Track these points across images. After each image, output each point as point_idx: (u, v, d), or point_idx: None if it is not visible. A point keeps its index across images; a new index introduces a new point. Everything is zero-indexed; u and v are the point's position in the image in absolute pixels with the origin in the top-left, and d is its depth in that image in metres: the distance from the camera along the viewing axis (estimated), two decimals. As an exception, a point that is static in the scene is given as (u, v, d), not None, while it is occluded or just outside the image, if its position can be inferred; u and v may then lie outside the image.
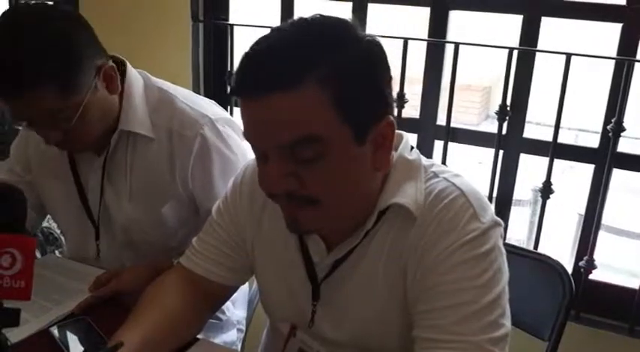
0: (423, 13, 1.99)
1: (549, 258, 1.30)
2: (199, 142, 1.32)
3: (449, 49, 1.95)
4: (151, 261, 1.34)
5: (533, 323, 1.30)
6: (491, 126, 2.28)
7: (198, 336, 1.17)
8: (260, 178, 0.91)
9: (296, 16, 0.96)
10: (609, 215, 2.11)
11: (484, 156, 2.40)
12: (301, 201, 0.89)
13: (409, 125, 1.97)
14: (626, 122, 1.77)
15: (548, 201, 1.95)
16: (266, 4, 2.41)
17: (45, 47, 1.12)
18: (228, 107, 2.30)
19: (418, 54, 2.05)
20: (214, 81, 2.37)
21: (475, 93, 7.21)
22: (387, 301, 0.99)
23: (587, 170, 1.94)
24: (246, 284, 1.39)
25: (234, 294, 1.26)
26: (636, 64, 1.73)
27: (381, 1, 2.07)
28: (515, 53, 1.86)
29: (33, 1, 1.20)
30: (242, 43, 2.11)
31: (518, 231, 4.25)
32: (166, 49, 2.31)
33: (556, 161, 1.89)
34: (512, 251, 1.22)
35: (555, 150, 1.87)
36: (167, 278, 1.17)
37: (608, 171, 1.83)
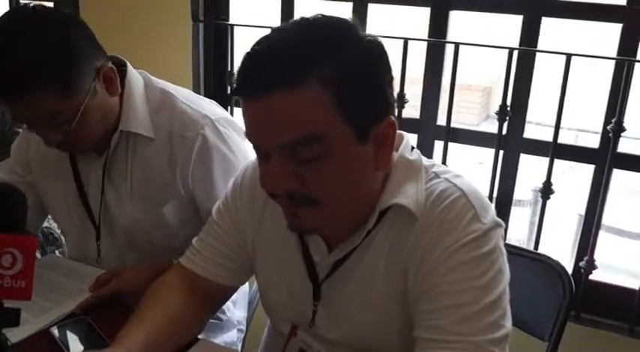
0: (423, 13, 1.99)
1: (549, 258, 1.30)
2: (200, 143, 1.32)
3: (449, 50, 1.95)
4: (151, 261, 1.34)
5: (533, 324, 1.30)
6: (491, 127, 2.28)
7: (199, 336, 1.17)
8: (262, 178, 0.91)
9: (296, 16, 0.96)
10: (609, 215, 2.12)
11: (484, 157, 2.40)
12: (302, 201, 0.89)
13: (409, 125, 1.97)
14: (627, 122, 1.77)
15: (549, 202, 1.95)
16: (266, 4, 2.41)
17: (45, 50, 1.13)
18: (229, 107, 2.30)
19: (418, 54, 2.05)
20: (214, 81, 2.37)
21: (475, 94, 7.22)
22: (388, 301, 0.99)
23: (587, 170, 1.94)
24: (247, 284, 1.39)
25: (235, 295, 1.26)
26: (636, 64, 1.73)
27: (381, 2, 2.07)
28: (515, 53, 1.86)
29: (32, 3, 1.19)
30: (242, 43, 2.11)
31: (518, 232, 4.26)
32: (166, 49, 2.31)
33: (556, 161, 1.89)
34: (513, 251, 1.22)
35: (555, 150, 1.87)
36: (168, 279, 1.17)
37: (609, 171, 1.83)
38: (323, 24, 0.87)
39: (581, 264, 1.92)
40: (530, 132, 1.97)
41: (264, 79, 0.83)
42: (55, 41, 1.14)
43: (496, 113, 1.92)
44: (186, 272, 1.16)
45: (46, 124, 1.20)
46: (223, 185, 1.29)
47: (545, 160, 1.91)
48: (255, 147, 0.91)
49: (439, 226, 0.93)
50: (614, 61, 1.78)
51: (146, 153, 1.34)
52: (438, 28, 1.98)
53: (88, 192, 1.40)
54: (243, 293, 1.62)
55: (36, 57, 1.12)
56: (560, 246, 3.77)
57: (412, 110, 2.09)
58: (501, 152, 1.95)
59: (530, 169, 2.28)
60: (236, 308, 1.59)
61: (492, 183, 1.96)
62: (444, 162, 1.96)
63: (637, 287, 1.86)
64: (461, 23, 2.06)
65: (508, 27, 2.09)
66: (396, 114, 1.90)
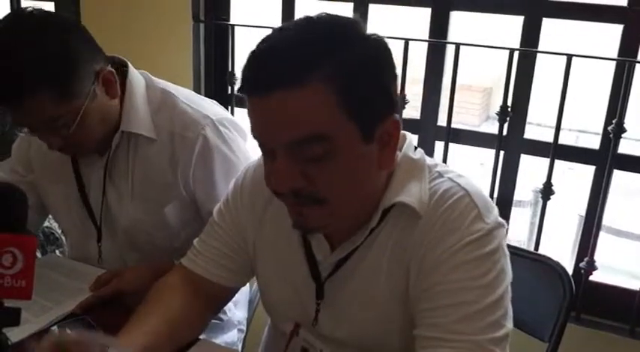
0: (424, 13, 1.99)
1: (550, 258, 1.30)
2: (201, 143, 1.32)
3: (450, 50, 1.95)
4: (152, 262, 1.34)
5: (533, 324, 1.30)
6: (491, 127, 2.29)
7: (199, 336, 1.18)
8: (267, 176, 0.91)
9: (297, 16, 0.97)
10: (610, 216, 2.12)
11: (485, 157, 2.40)
12: (308, 200, 0.89)
13: (410, 126, 1.95)
14: (627, 123, 1.77)
15: (549, 202, 1.95)
16: (267, 4, 2.41)
17: (45, 55, 1.13)
18: (229, 107, 2.30)
19: (419, 55, 2.05)
20: (215, 81, 2.37)
21: (476, 94, 7.21)
22: (390, 300, 0.99)
23: (587, 171, 1.94)
24: (247, 284, 1.39)
25: (236, 295, 1.26)
26: (637, 65, 1.73)
27: (382, 2, 2.07)
28: (516, 54, 1.86)
29: (33, 6, 1.19)
30: (243, 43, 2.11)
31: (518, 232, 4.25)
32: (167, 49, 2.31)
33: (557, 162, 1.89)
34: (513, 252, 1.21)
35: (556, 151, 1.87)
36: (170, 280, 1.17)
37: (609, 172, 1.83)
38: (328, 23, 0.87)
39: (582, 264, 1.92)
40: (531, 132, 1.97)
41: (268, 78, 0.83)
42: (55, 46, 1.14)
43: (497, 114, 1.92)
44: (187, 273, 1.16)
45: (46, 128, 1.20)
46: (224, 185, 1.29)
47: (546, 161, 1.91)
48: (261, 146, 0.91)
49: (442, 225, 0.93)
50: (614, 62, 1.78)
51: (147, 153, 1.34)
52: (438, 29, 1.98)
53: (89, 192, 1.40)
54: (243, 293, 1.62)
55: (36, 62, 1.12)
56: (560, 246, 3.77)
57: (413, 110, 2.09)
58: (502, 153, 1.95)
59: (531, 170, 2.28)
60: (237, 308, 1.59)
61: (493, 184, 1.96)
62: (444, 163, 1.96)
63: (637, 288, 1.86)
64: (461, 24, 2.06)
65: (509, 28, 2.09)
66: (397, 114, 1.91)
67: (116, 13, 2.36)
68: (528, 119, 1.95)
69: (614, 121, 1.78)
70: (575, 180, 4.34)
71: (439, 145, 2.04)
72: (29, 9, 1.18)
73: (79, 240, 1.48)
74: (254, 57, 0.86)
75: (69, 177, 1.40)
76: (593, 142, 1.97)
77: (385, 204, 0.95)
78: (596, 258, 1.92)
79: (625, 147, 1.85)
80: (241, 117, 1.72)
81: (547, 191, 1.92)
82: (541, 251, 1.79)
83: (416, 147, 1.01)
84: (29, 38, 1.13)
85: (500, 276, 0.92)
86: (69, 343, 0.87)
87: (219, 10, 2.29)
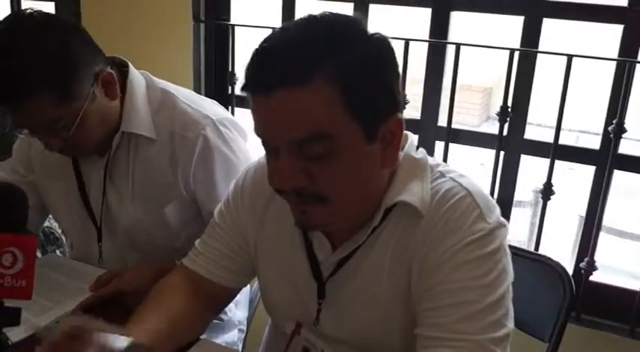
0: (424, 13, 1.99)
1: (550, 259, 1.30)
2: (201, 143, 1.32)
3: (450, 50, 1.95)
4: (153, 262, 1.34)
5: (533, 324, 1.30)
6: (492, 128, 2.28)
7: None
8: (270, 174, 0.91)
9: (297, 16, 0.97)
10: (610, 216, 2.12)
11: (485, 158, 2.40)
12: (311, 198, 0.89)
13: (410, 126, 1.94)
14: (627, 123, 1.77)
15: (549, 203, 1.95)
16: (267, 4, 2.41)
17: (45, 57, 1.13)
18: (229, 107, 2.30)
19: (419, 55, 2.05)
20: (215, 81, 2.37)
21: (476, 95, 7.22)
22: (392, 299, 0.99)
23: (587, 171, 1.94)
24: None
25: (237, 295, 1.26)
26: (637, 65, 1.73)
27: (382, 2, 2.07)
28: (516, 54, 1.86)
29: (33, 7, 1.19)
30: (243, 43, 2.11)
31: (518, 232, 4.25)
32: (168, 50, 2.31)
33: (557, 162, 1.89)
34: (513, 252, 1.20)
35: (556, 151, 1.87)
36: (171, 280, 1.17)
37: (609, 172, 1.83)
38: (331, 21, 0.87)
39: (582, 265, 1.92)
40: (531, 133, 1.97)
41: (270, 77, 0.84)
42: (55, 48, 1.14)
43: (497, 114, 1.92)
44: (189, 273, 1.16)
45: (46, 130, 1.20)
46: (225, 186, 1.29)
47: (546, 161, 1.90)
48: (264, 144, 0.91)
49: (444, 225, 0.93)
50: (615, 62, 1.78)
51: (147, 153, 1.34)
52: (439, 29, 1.98)
53: (90, 192, 1.40)
54: (244, 293, 1.62)
55: (36, 63, 1.12)
56: (560, 247, 3.77)
57: (413, 111, 2.09)
58: (502, 153, 1.95)
59: (531, 170, 2.28)
60: (237, 308, 1.59)
61: (493, 184, 1.96)
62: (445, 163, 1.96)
63: (637, 289, 1.86)
64: (462, 24, 2.06)
65: (509, 28, 2.09)
66: (397, 114, 1.91)
67: (116, 12, 2.36)
68: (528, 119, 1.95)
69: (614, 121, 1.78)
70: (575, 181, 4.35)
71: (439, 145, 2.05)
72: (29, 11, 1.18)
73: (80, 240, 1.48)
74: (256, 56, 0.86)
75: (69, 177, 1.40)
76: (594, 142, 1.97)
77: (387, 203, 0.95)
78: (596, 258, 1.92)
79: (625, 147, 1.85)
80: (241, 117, 1.73)
81: (547, 191, 1.92)
82: (541, 251, 1.79)
83: (418, 147, 1.01)
84: (29, 40, 1.13)
85: (502, 276, 0.92)
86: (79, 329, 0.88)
87: (220, 10, 2.29)
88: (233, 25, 2.25)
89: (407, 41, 1.94)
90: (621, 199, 4.33)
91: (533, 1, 1.85)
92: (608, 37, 1.92)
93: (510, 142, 1.95)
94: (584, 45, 2.98)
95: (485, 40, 1.99)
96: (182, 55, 2.30)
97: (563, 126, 1.85)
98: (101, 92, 1.24)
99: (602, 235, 1.94)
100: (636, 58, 1.75)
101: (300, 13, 2.12)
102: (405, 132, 0.97)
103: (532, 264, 1.31)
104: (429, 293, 0.93)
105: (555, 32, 2.25)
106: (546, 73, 2.09)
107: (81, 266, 1.41)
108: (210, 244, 1.16)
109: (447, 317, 0.90)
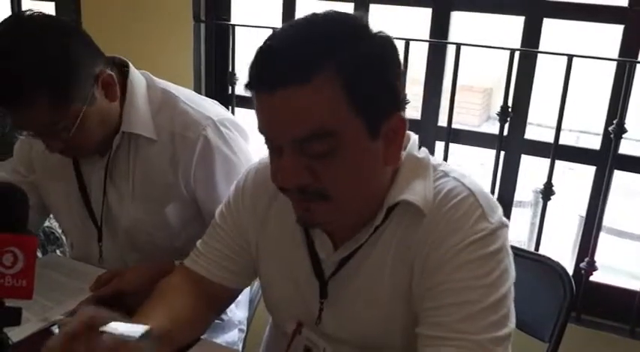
0: (425, 13, 1.99)
1: (550, 259, 1.31)
2: (202, 144, 1.32)
3: (450, 50, 1.95)
4: (153, 262, 1.34)
5: (533, 325, 1.30)
6: (492, 128, 2.28)
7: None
8: (273, 172, 0.92)
9: (297, 16, 0.97)
10: (610, 216, 2.12)
11: (485, 158, 2.40)
12: (313, 196, 0.89)
13: (410, 126, 1.95)
14: (628, 124, 1.77)
15: (549, 203, 1.95)
16: (267, 4, 2.41)
17: (44, 59, 1.13)
18: (230, 107, 2.30)
19: (419, 55, 2.05)
20: (216, 81, 2.37)
21: (476, 95, 7.21)
22: (393, 298, 0.99)
23: (588, 171, 1.94)
24: (247, 284, 1.39)
25: (236, 295, 1.26)
26: (638, 65, 1.73)
27: (382, 2, 2.07)
28: (516, 54, 1.86)
29: (34, 9, 1.19)
30: (243, 43, 2.11)
31: (519, 233, 4.25)
32: (168, 50, 2.31)
33: (557, 162, 1.89)
34: (513, 252, 1.21)
35: (557, 151, 1.87)
36: (173, 280, 1.17)
37: (610, 172, 1.83)
38: (334, 20, 0.88)
39: (582, 265, 1.92)
40: (531, 133, 1.97)
41: (275, 74, 0.84)
42: (55, 50, 1.15)
43: (497, 114, 1.92)
44: (190, 273, 1.16)
45: (46, 132, 1.21)
46: (225, 186, 1.29)
47: (546, 161, 1.91)
48: (268, 142, 0.91)
49: (446, 224, 0.93)
50: (615, 63, 1.78)
51: (148, 154, 1.34)
52: (439, 29, 1.98)
53: (90, 193, 1.40)
54: (244, 293, 1.61)
55: (36, 65, 1.12)
56: (560, 247, 3.77)
57: (413, 111, 2.09)
58: (502, 153, 1.95)
59: (531, 170, 2.28)
60: (237, 308, 1.59)
61: (493, 184, 1.96)
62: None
63: (638, 289, 1.86)
64: (462, 24, 2.06)
65: (509, 28, 2.09)
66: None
67: (116, 13, 2.36)
68: (529, 119, 1.95)
69: (614, 122, 1.78)
70: (575, 181, 4.35)
71: (440, 145, 2.05)
72: (30, 12, 1.18)
73: (80, 239, 1.48)
74: (260, 54, 0.87)
75: (70, 177, 1.40)
76: (594, 143, 1.97)
77: (390, 202, 0.96)
78: (596, 258, 1.92)
79: (625, 147, 1.85)
80: (242, 117, 1.73)
81: (547, 191, 1.92)
82: (541, 251, 1.79)
83: (420, 147, 1.02)
84: (29, 42, 1.13)
85: (504, 276, 0.92)
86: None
87: (220, 10, 2.29)
88: (233, 25, 2.25)
89: (407, 41, 1.94)
90: (621, 199, 4.33)
91: (533, 1, 1.85)
92: (609, 37, 1.91)
93: (510, 142, 1.95)
94: (585, 45, 2.98)
95: (485, 40, 1.99)
96: (182, 55, 2.30)
97: (563, 126, 1.85)
98: (101, 94, 1.24)
99: (602, 235, 1.94)
100: (636, 58, 1.75)
101: (300, 13, 2.12)
102: (408, 131, 0.98)
103: (532, 264, 1.31)
104: (431, 293, 0.93)
105: (555, 32, 2.24)
106: (546, 73, 2.09)
107: (81, 266, 1.42)
108: (211, 245, 1.16)
109: (448, 317, 0.90)
